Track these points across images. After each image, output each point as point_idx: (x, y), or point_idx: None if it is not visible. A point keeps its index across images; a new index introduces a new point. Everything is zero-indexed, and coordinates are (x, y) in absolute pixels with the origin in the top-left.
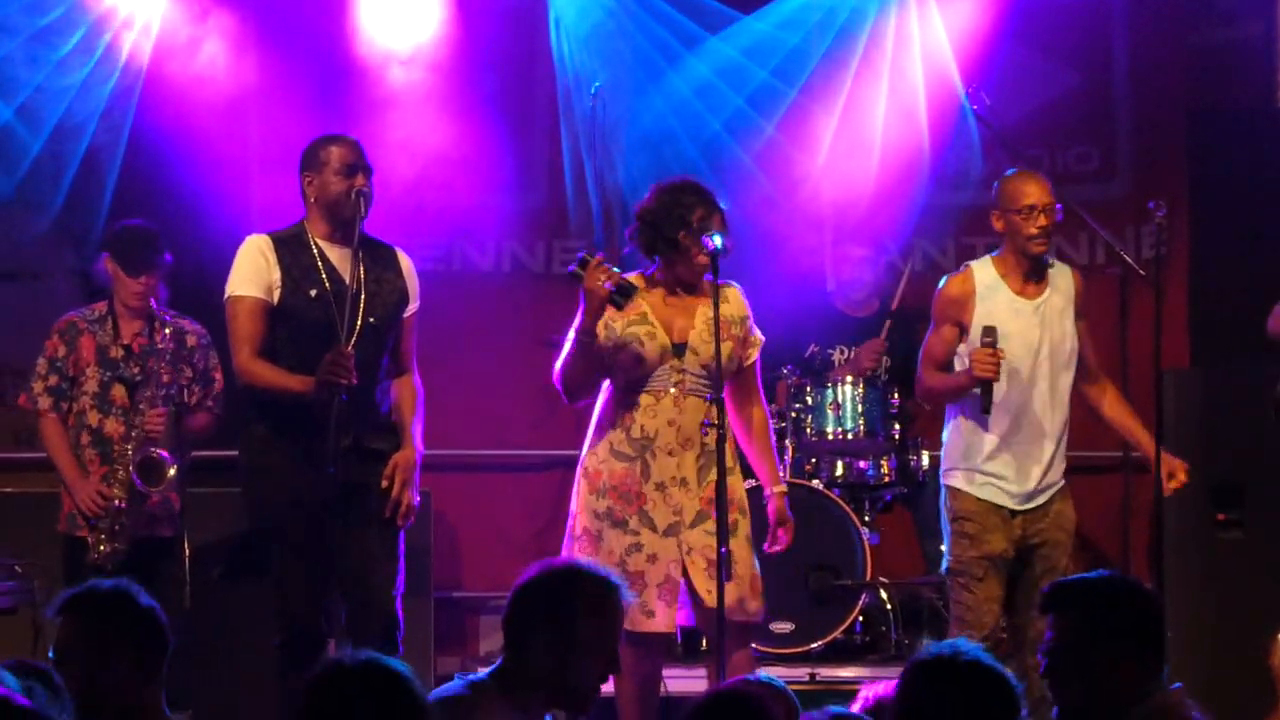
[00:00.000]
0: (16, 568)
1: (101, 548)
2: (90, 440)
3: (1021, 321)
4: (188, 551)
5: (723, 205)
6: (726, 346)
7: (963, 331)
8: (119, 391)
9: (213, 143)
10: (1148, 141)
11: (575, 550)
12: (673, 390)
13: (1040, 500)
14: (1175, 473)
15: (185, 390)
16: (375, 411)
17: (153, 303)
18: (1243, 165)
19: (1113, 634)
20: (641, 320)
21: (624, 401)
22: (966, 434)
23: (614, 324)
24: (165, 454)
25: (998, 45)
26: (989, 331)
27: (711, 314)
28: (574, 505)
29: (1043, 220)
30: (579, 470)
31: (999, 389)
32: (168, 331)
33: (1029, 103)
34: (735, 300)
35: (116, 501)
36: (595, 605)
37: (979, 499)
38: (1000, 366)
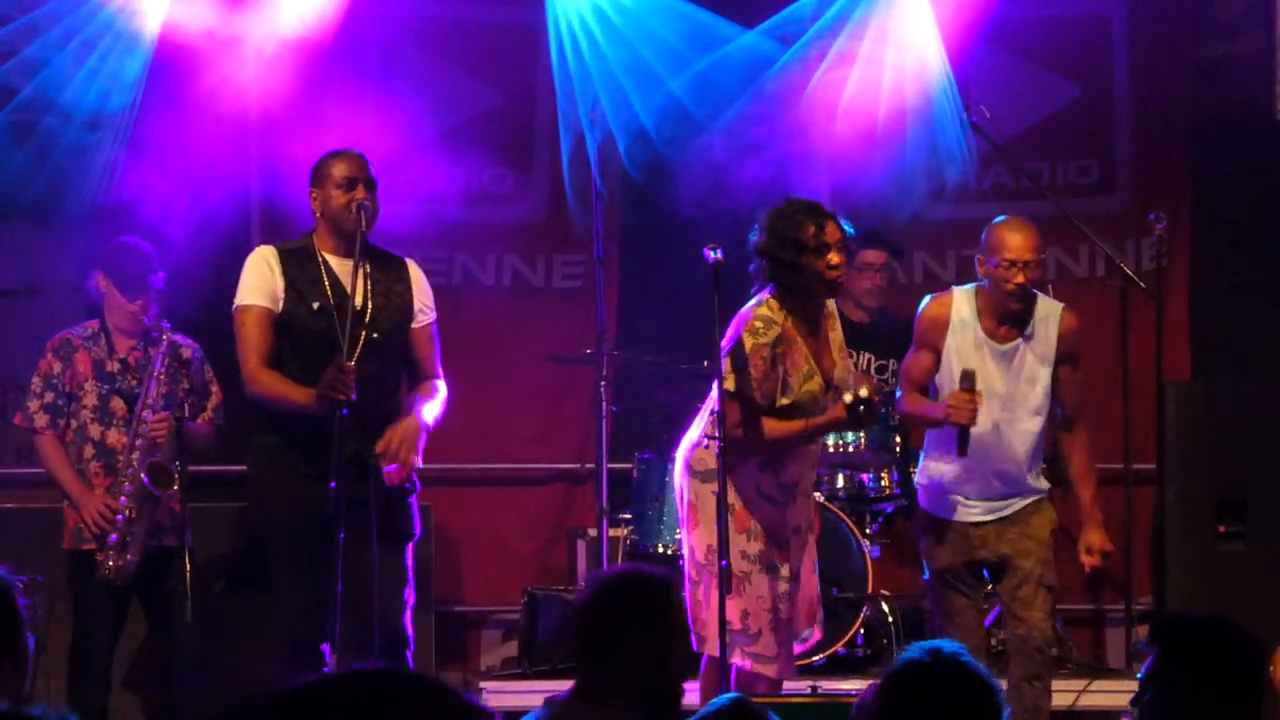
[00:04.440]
0: (16, 584)
1: (111, 562)
2: (94, 453)
3: (986, 365)
4: (189, 565)
5: (832, 213)
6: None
7: (938, 358)
8: (118, 404)
9: (214, 159)
10: (1148, 154)
11: (715, 589)
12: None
13: (1005, 512)
14: (1092, 549)
15: (184, 403)
16: (383, 426)
17: (144, 320)
18: (1243, 178)
19: (1212, 680)
20: (810, 374)
21: (775, 445)
22: (937, 457)
23: (790, 379)
24: (171, 466)
25: (998, 59)
26: (967, 376)
27: (838, 341)
28: (707, 537)
29: (1020, 277)
30: (717, 505)
31: (975, 433)
32: (164, 339)
33: (1029, 116)
34: (835, 314)
35: (127, 512)
36: (672, 596)
37: (930, 515)
38: (977, 412)
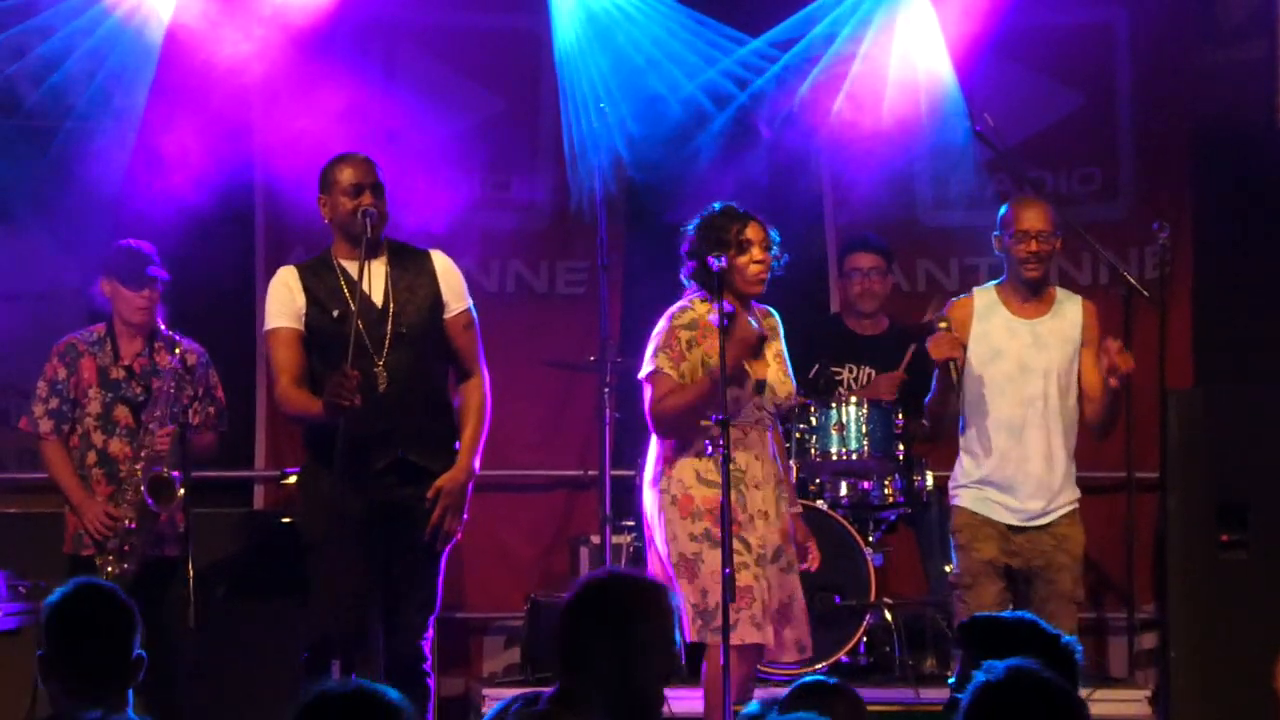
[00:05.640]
0: (20, 589)
1: (110, 569)
2: (97, 461)
3: (1017, 341)
4: (192, 571)
5: (756, 216)
6: (792, 384)
7: (965, 353)
8: (122, 412)
9: (218, 165)
10: (1150, 162)
11: (679, 579)
12: (756, 425)
13: (1044, 520)
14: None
15: (189, 409)
16: (426, 423)
17: (155, 316)
18: (1245, 185)
19: None
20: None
21: (710, 432)
22: (969, 452)
23: (710, 360)
24: (174, 474)
25: (1001, 67)
26: (939, 316)
27: (776, 348)
28: (662, 536)
29: (1034, 246)
30: (660, 500)
31: (1008, 394)
32: (176, 351)
33: (1032, 124)
34: (779, 331)
35: (126, 522)
36: (650, 604)
37: (972, 511)
38: (957, 342)
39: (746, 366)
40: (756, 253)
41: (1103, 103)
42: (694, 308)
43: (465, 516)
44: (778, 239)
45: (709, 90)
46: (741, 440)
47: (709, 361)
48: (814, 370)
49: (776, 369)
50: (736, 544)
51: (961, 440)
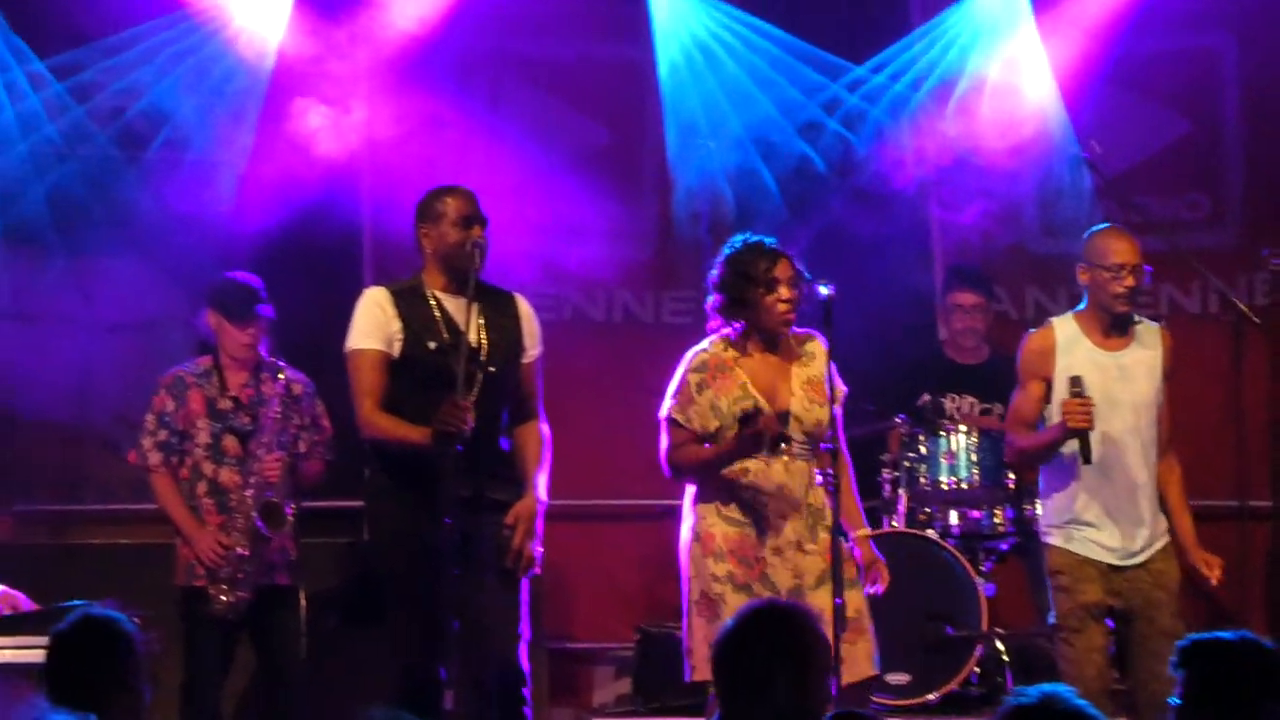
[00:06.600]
0: (134, 619)
1: (224, 598)
2: (207, 491)
3: (1103, 375)
4: (304, 602)
5: (786, 252)
6: (826, 410)
7: (1048, 387)
8: (231, 442)
9: (325, 194)
10: (1258, 188)
11: (696, 616)
12: (782, 456)
13: (1141, 558)
14: (1211, 564)
15: (296, 438)
16: (499, 461)
17: (260, 350)
18: None
19: (1242, 696)
20: (744, 395)
21: (732, 468)
22: (1059, 492)
23: (719, 403)
24: (285, 502)
25: (1108, 93)
26: (1076, 381)
27: (806, 375)
28: (687, 572)
29: (1129, 280)
30: (688, 535)
31: (1095, 437)
32: (281, 378)
33: (1139, 150)
34: (821, 355)
35: (238, 549)
36: (820, 632)
37: (1072, 552)
38: (1093, 414)
39: (761, 400)
40: (784, 291)
41: (1210, 128)
42: (709, 348)
43: (540, 548)
44: (808, 276)
45: (813, 119)
46: (763, 471)
47: (718, 404)
48: (922, 399)
49: (802, 397)
50: (759, 587)
51: (1043, 477)
